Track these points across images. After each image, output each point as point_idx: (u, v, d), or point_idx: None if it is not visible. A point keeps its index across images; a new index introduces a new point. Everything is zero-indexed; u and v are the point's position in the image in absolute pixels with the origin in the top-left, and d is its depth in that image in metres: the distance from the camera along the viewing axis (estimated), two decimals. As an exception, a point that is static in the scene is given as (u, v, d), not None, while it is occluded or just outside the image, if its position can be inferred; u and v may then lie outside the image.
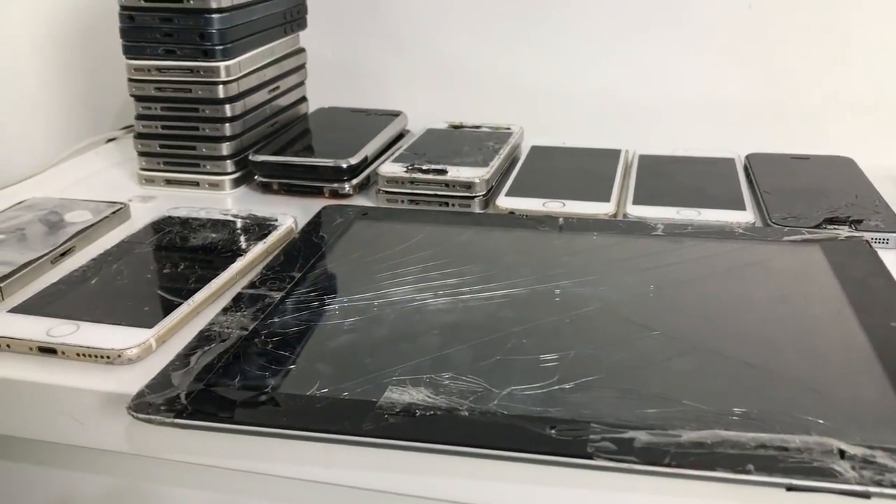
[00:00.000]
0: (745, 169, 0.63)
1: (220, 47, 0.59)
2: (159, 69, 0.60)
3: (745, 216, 0.53)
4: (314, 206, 0.57)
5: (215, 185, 0.62)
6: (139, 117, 0.62)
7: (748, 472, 0.30)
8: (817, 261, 0.46)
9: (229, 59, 0.59)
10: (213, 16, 0.58)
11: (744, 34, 0.70)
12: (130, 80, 0.61)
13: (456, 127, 0.71)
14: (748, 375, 0.36)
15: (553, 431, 0.32)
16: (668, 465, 0.30)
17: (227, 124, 0.61)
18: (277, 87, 0.67)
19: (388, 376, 0.36)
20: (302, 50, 0.71)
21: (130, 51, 0.60)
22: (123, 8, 0.59)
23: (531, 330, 0.40)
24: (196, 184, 0.62)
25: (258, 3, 0.62)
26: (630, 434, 0.31)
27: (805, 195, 0.57)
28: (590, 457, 0.31)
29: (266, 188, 0.62)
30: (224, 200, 0.61)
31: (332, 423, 0.33)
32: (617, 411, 0.33)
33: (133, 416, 0.34)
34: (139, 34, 0.59)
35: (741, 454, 0.30)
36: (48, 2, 0.77)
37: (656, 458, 0.30)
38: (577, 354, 0.37)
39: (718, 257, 0.47)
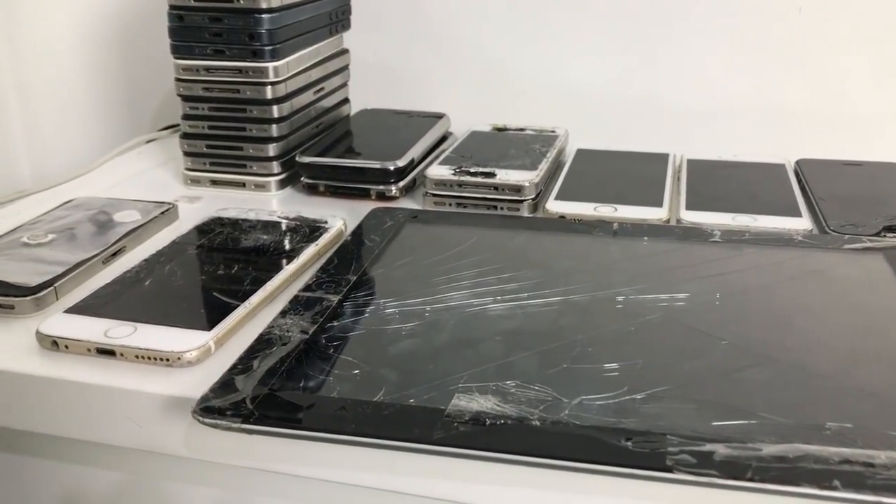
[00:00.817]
0: (796, 174, 0.62)
1: (269, 48, 0.58)
2: (207, 69, 0.60)
3: (802, 223, 0.52)
4: (360, 208, 0.57)
5: (261, 187, 0.62)
6: (186, 117, 0.62)
7: (835, 489, 0.29)
8: (882, 270, 0.45)
9: (278, 60, 0.59)
10: (263, 16, 0.58)
11: (793, 38, 0.69)
12: (178, 79, 0.61)
13: (500, 129, 0.71)
14: (822, 387, 0.35)
15: (629, 443, 0.31)
16: (751, 480, 0.29)
17: (275, 125, 0.60)
18: (322, 89, 0.67)
19: (454, 383, 0.35)
20: (346, 51, 0.70)
21: (179, 50, 0.60)
22: (172, 7, 0.59)
23: (595, 338, 0.39)
24: (242, 184, 0.62)
25: (306, 4, 0.62)
26: (708, 447, 0.31)
27: (860, 202, 0.56)
28: (669, 470, 0.30)
29: (312, 190, 0.62)
30: (270, 202, 0.61)
31: (402, 431, 0.32)
32: (692, 423, 0.32)
33: (199, 420, 0.33)
34: (188, 34, 0.59)
35: (825, 469, 0.30)
36: (89, 3, 0.78)
37: (738, 472, 0.30)
38: (645, 363, 0.37)
39: (781, 265, 0.46)
